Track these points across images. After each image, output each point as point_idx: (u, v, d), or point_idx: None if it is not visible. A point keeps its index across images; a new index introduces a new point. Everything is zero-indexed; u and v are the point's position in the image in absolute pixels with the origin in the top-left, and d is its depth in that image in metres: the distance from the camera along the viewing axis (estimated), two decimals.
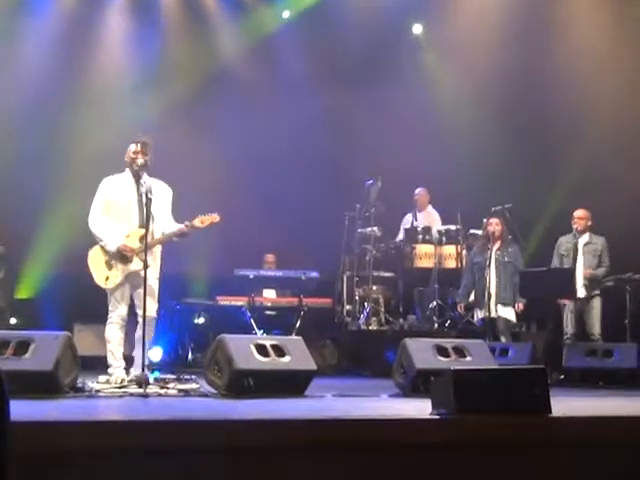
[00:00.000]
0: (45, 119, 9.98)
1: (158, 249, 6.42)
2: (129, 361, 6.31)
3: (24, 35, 10.16)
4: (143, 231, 6.16)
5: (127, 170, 6.46)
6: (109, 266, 6.34)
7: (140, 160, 6.27)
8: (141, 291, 6.09)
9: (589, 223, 8.43)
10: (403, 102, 10.52)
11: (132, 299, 6.39)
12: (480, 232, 9.04)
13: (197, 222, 6.33)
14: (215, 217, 6.39)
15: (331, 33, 10.85)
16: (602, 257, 8.38)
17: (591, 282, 8.27)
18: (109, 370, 6.27)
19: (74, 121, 10.06)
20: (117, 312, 6.35)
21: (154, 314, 6.31)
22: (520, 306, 8.48)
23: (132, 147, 6.40)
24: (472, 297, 8.92)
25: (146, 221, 5.99)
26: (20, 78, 10.00)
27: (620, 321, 8.09)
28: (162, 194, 6.40)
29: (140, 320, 6.18)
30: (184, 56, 10.85)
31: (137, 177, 6.34)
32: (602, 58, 9.83)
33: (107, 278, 6.33)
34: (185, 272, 9.82)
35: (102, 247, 6.36)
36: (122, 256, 6.28)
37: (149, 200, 5.93)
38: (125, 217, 6.37)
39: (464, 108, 10.26)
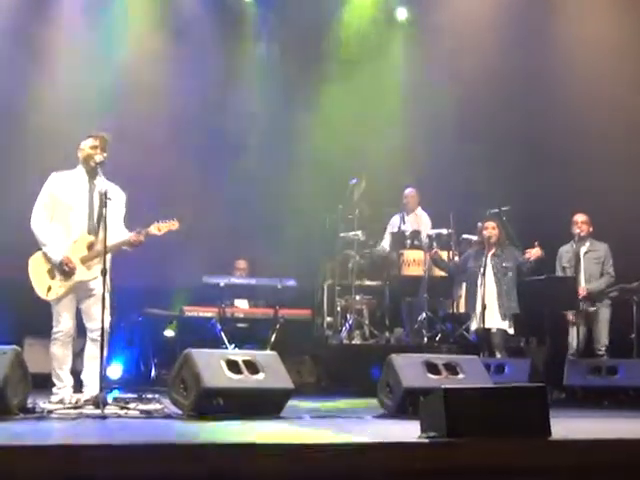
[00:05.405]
0: None
1: (108, 258, 6.31)
2: (79, 380, 6.25)
3: None
4: (92, 238, 6.11)
5: (80, 166, 6.36)
6: (51, 275, 6.23)
7: (99, 157, 6.16)
8: (90, 302, 6.06)
9: (591, 229, 8.48)
10: (388, 96, 10.56)
11: (79, 312, 6.28)
12: (474, 237, 9.06)
13: (153, 229, 6.28)
14: (174, 223, 6.35)
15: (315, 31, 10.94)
16: (605, 265, 8.42)
17: (592, 297, 8.31)
18: (53, 390, 6.24)
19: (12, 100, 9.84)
20: (61, 327, 6.25)
21: (107, 326, 6.26)
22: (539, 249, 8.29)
23: (89, 142, 6.30)
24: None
25: (103, 225, 5.88)
26: None
27: (626, 335, 8.14)
28: (116, 199, 6.27)
29: (90, 335, 6.14)
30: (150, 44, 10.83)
31: (92, 175, 6.25)
32: (601, 60, 9.91)
33: (49, 289, 6.21)
34: (148, 281, 9.76)
35: (45, 253, 6.24)
36: (63, 269, 6.18)
37: (105, 202, 5.85)
38: (73, 219, 6.25)
39: (456, 102, 10.29)
